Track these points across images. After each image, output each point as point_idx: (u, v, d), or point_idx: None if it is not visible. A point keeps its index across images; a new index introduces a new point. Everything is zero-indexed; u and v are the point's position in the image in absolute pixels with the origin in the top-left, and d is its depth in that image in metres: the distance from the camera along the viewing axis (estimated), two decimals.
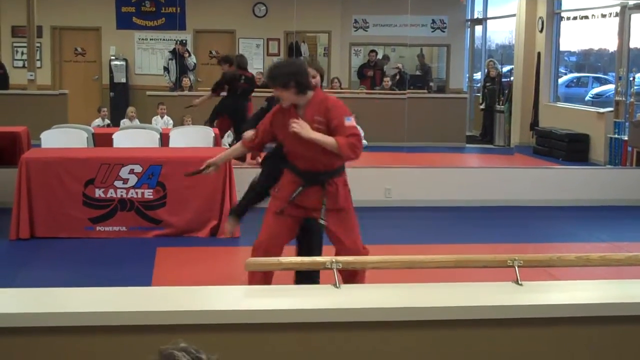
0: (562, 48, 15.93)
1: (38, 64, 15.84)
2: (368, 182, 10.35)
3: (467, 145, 15.90)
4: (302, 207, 5.56)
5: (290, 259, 3.72)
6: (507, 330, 3.35)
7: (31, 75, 14.43)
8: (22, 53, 16.22)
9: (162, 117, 13.01)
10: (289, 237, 5.64)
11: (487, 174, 10.97)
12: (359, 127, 5.74)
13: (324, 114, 5.44)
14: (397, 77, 17.17)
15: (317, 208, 5.52)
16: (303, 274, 5.44)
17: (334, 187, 5.58)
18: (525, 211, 10.06)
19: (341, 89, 16.81)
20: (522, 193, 10.45)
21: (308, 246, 5.94)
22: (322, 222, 5.49)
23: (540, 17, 15.56)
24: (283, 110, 5.56)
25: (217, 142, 10.51)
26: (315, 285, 3.55)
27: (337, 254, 5.40)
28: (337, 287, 3.45)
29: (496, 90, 16.23)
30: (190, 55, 16.49)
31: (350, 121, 5.53)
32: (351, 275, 4.91)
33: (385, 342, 3.29)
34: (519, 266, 3.62)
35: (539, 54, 15.56)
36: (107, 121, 13.80)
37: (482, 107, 16.50)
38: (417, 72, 18.02)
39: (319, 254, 5.82)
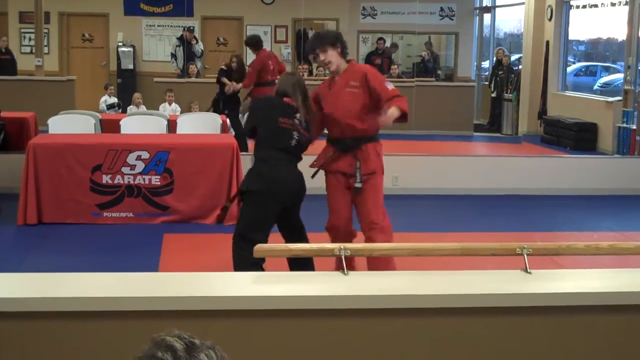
0: (571, 37, 15.85)
1: (45, 50, 15.83)
2: None
3: (475, 133, 15.85)
4: (340, 173, 6.08)
5: (299, 245, 3.71)
6: (516, 318, 3.34)
7: (39, 61, 14.42)
8: (30, 39, 16.20)
9: (170, 105, 13.00)
10: (350, 207, 6.11)
11: (494, 162, 10.95)
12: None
13: (360, 79, 5.89)
14: (422, 64, 17.10)
15: (352, 173, 5.99)
16: (296, 261, 5.46)
17: (364, 153, 5.99)
18: (533, 200, 10.03)
19: None
20: (529, 182, 10.42)
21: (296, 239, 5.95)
22: (358, 185, 5.93)
23: (549, 6, 15.49)
24: (322, 86, 6.19)
25: (224, 128, 10.50)
26: (323, 272, 3.53)
27: (361, 226, 6.02)
28: (345, 274, 3.43)
29: (505, 78, 16.17)
30: (197, 42, 16.46)
31: (390, 85, 5.94)
32: (383, 263, 5.13)
33: (393, 329, 3.28)
34: (527, 254, 3.60)
35: (547, 42, 15.49)
36: (115, 99, 13.77)
37: (493, 95, 16.43)
38: (423, 57, 17.88)
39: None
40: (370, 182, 5.99)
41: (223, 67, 12.97)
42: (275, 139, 5.89)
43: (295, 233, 6.03)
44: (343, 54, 5.98)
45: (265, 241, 5.66)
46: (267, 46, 17.29)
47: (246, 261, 5.62)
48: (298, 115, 5.90)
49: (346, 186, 6.10)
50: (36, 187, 8.29)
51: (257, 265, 5.45)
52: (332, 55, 5.93)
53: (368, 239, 5.88)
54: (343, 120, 5.97)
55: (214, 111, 12.17)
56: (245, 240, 5.65)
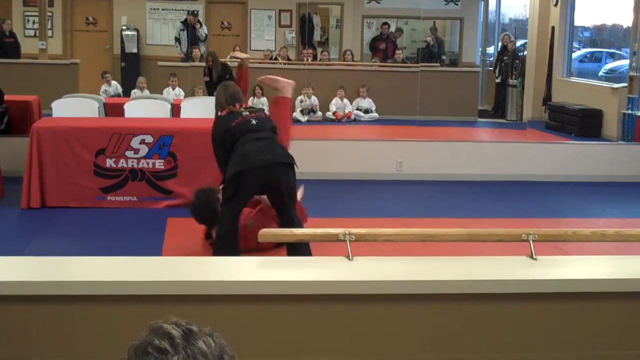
0: (576, 23, 15.80)
1: (49, 33, 15.78)
2: (380, 155, 10.34)
3: (480, 119, 15.82)
4: None
5: (303, 230, 3.70)
6: (521, 304, 3.33)
7: (42, 44, 14.39)
8: (34, 22, 16.17)
9: (173, 89, 12.97)
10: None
11: (499, 148, 10.92)
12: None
13: None
14: (426, 50, 17.05)
15: None
16: (294, 247, 5.59)
17: None
18: (538, 186, 10.02)
19: (353, 61, 16.74)
20: (534, 168, 10.40)
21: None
22: None
23: None
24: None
25: None
26: (328, 257, 3.52)
27: None
28: (349, 260, 3.42)
29: (510, 64, 16.12)
30: (201, 26, 16.41)
31: None
32: None
33: (398, 315, 3.27)
34: (533, 240, 3.58)
35: (553, 28, 15.44)
36: (115, 84, 13.73)
37: (498, 80, 16.38)
38: (428, 42, 17.81)
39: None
40: None
41: (205, 71, 12.77)
42: (238, 130, 6.24)
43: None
44: None
45: (233, 233, 6.12)
46: (271, 30, 17.30)
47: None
48: (244, 112, 6.35)
49: None
50: (40, 170, 8.28)
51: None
52: None
53: None
54: None
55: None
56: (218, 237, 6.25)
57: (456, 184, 9.98)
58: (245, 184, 6.08)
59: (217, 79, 12.48)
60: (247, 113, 6.35)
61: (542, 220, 8.27)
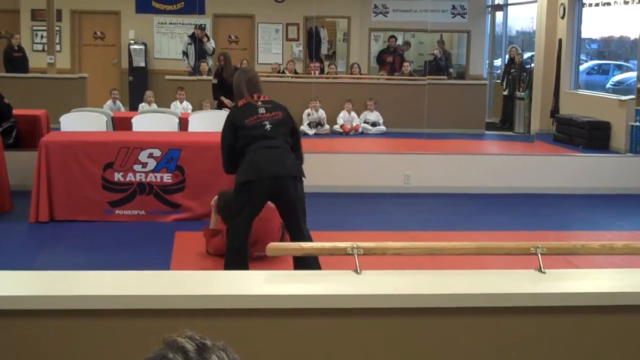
0: (583, 35, 15.79)
1: (57, 47, 15.84)
2: (387, 168, 10.34)
3: (487, 132, 15.82)
4: None
5: (311, 244, 3.69)
6: (530, 318, 3.31)
7: (51, 58, 14.45)
8: (42, 36, 16.24)
9: (181, 103, 12.99)
10: None
11: (507, 161, 10.91)
12: None
13: None
14: (434, 63, 17.08)
15: None
16: (302, 261, 5.52)
17: None
18: (546, 199, 10.00)
19: (360, 74, 16.76)
20: (542, 181, 10.39)
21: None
22: None
23: (562, 4, 15.43)
24: None
25: None
26: (336, 271, 3.52)
27: None
28: (358, 273, 3.41)
29: (517, 77, 16.12)
30: (209, 39, 16.45)
31: None
32: None
33: (406, 329, 3.26)
34: (542, 254, 3.57)
35: (560, 40, 15.44)
36: (119, 104, 13.77)
37: (505, 93, 16.38)
38: (436, 55, 17.81)
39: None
40: None
41: (217, 70, 12.86)
42: (250, 133, 6.07)
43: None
44: None
45: (243, 246, 6.01)
46: (278, 44, 17.34)
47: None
48: (260, 108, 6.14)
49: None
50: (48, 184, 8.31)
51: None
52: None
53: None
54: None
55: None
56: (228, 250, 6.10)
57: (464, 197, 9.97)
58: (255, 194, 6.00)
59: (228, 80, 12.55)
60: (264, 111, 6.12)
61: (551, 233, 8.25)
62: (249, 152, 6.01)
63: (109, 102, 13.58)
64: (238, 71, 6.65)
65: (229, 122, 6.20)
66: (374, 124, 15.13)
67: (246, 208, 6.03)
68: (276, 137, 6.08)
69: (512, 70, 16.20)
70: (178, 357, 1.69)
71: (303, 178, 6.12)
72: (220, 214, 7.16)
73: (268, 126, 6.08)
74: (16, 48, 15.38)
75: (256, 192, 5.99)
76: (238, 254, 6.01)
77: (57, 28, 15.84)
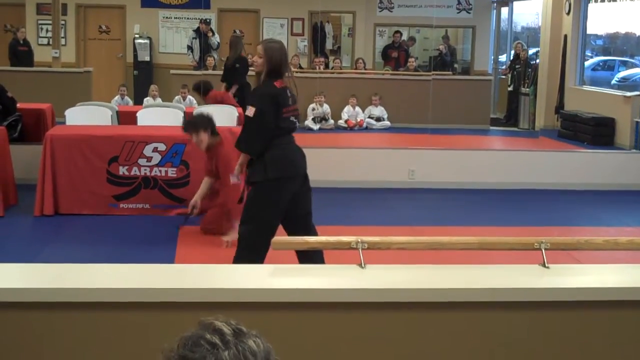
0: (589, 31, 15.77)
1: (62, 41, 15.86)
2: (392, 163, 10.34)
3: (492, 127, 15.81)
4: None
5: (316, 238, 3.71)
6: (534, 313, 3.32)
7: (56, 52, 14.45)
8: (47, 30, 16.24)
9: (184, 99, 13.00)
10: None
11: (511, 156, 10.91)
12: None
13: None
14: (439, 58, 17.06)
15: None
16: (306, 255, 5.37)
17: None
18: (550, 195, 10.00)
19: (365, 69, 16.76)
20: (546, 176, 10.38)
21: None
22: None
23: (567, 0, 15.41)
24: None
25: (240, 121, 10.48)
26: (341, 265, 3.52)
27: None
28: (362, 267, 3.42)
29: (522, 72, 16.11)
30: (214, 34, 16.45)
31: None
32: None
33: (410, 323, 3.27)
34: (545, 249, 3.57)
35: (565, 36, 15.42)
36: (127, 99, 13.79)
37: (510, 89, 16.37)
38: (441, 51, 17.77)
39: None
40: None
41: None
42: (282, 125, 5.69)
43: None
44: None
45: (266, 247, 5.30)
46: (283, 39, 17.33)
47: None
48: (290, 99, 5.72)
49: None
50: (53, 178, 8.32)
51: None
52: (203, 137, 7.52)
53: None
54: None
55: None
56: (257, 246, 5.54)
57: (468, 192, 9.97)
58: (288, 192, 5.67)
59: (231, 64, 12.54)
60: (291, 103, 5.71)
61: (555, 228, 8.26)
62: (278, 145, 5.64)
63: (117, 98, 13.59)
64: (278, 45, 5.82)
65: (271, 99, 5.61)
66: (378, 119, 15.13)
67: (278, 206, 5.66)
68: (295, 132, 5.84)
69: (517, 66, 16.19)
70: (215, 338, 1.71)
71: None
72: None
73: (295, 122, 5.78)
74: (21, 42, 15.39)
75: (289, 188, 5.69)
76: (258, 255, 5.50)
77: (62, 22, 15.86)
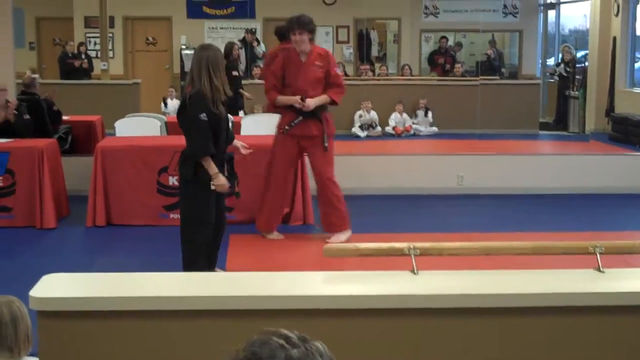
0: (638, 32, 15.56)
1: (110, 54, 16.04)
2: (441, 169, 10.29)
3: (541, 132, 15.65)
4: (302, 137, 7.59)
5: (367, 245, 3.69)
6: (589, 318, 3.28)
7: (104, 65, 14.63)
8: (95, 43, 16.43)
9: None
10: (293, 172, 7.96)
11: (562, 161, 10.80)
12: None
13: (325, 62, 7.58)
14: (487, 63, 16.96)
15: (319, 135, 7.52)
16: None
17: (324, 119, 7.53)
18: (602, 199, 9.87)
19: (412, 75, 16.71)
20: (598, 180, 10.25)
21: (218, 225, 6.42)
22: (325, 145, 7.46)
23: (615, 1, 15.23)
24: (289, 58, 7.66)
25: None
26: (393, 271, 3.51)
27: (315, 179, 7.76)
28: (415, 274, 3.40)
29: (571, 75, 15.93)
30: (259, 43, 16.52)
31: (338, 70, 7.77)
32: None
33: (463, 329, 3.24)
34: (600, 253, 3.52)
35: (614, 38, 15.24)
36: (177, 101, 13.90)
37: (566, 93, 16.11)
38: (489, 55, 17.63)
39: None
40: (329, 148, 7.54)
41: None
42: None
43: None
44: (312, 39, 7.65)
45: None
46: (329, 47, 17.36)
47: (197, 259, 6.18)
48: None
49: (297, 152, 7.76)
50: (104, 189, 8.41)
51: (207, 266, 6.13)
52: (304, 38, 7.52)
53: (321, 191, 7.65)
54: (306, 89, 7.48)
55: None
56: (198, 236, 6.21)
57: (518, 198, 9.88)
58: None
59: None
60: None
61: (608, 233, 8.13)
62: None
63: (169, 100, 13.70)
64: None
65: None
66: (426, 115, 15.07)
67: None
68: None
69: (566, 69, 16.02)
70: (282, 341, 1.73)
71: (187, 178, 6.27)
72: None
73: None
74: (70, 55, 15.58)
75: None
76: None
77: (110, 34, 16.04)
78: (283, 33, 8.81)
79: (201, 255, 6.22)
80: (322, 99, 7.46)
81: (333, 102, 7.57)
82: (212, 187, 6.12)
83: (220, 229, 6.46)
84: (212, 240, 6.36)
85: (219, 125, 6.19)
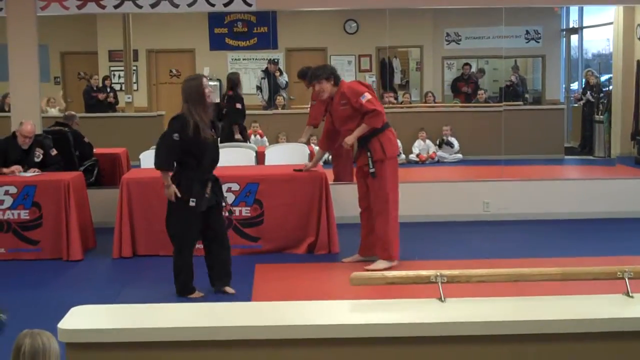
0: None
1: (135, 86, 16.16)
2: (466, 196, 10.26)
3: (566, 156, 15.57)
4: (359, 168, 7.96)
5: (395, 273, 3.68)
6: (619, 343, 3.24)
7: (129, 98, 14.74)
8: (119, 76, 16.56)
9: (255, 136, 13.08)
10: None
11: (588, 185, 10.72)
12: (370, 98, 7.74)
13: (347, 99, 7.77)
14: (510, 89, 16.92)
15: (363, 164, 7.80)
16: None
17: (371, 145, 7.73)
18: (630, 223, 9.79)
19: (435, 103, 16.71)
20: (625, 205, 10.18)
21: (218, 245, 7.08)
22: (371, 171, 7.71)
23: (638, 24, 15.18)
24: (325, 102, 8.16)
25: (311, 158, 10.51)
26: (420, 299, 3.49)
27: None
28: (442, 301, 3.38)
29: (595, 100, 15.87)
30: (282, 74, 16.59)
31: (366, 98, 7.70)
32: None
33: (492, 356, 3.21)
34: (629, 278, 3.49)
35: (638, 61, 15.18)
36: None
37: (594, 119, 16.04)
38: (513, 81, 17.60)
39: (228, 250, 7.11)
40: (377, 170, 7.72)
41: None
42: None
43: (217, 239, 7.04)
44: (335, 84, 7.89)
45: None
46: (351, 75, 17.41)
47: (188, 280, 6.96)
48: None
49: (364, 175, 7.87)
50: (130, 220, 8.44)
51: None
52: (325, 86, 7.88)
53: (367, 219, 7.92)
54: (340, 128, 7.94)
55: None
56: (181, 250, 6.96)
57: (545, 223, 9.82)
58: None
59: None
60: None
61: (635, 257, 8.06)
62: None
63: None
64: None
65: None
66: (450, 144, 15.01)
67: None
68: None
69: (589, 94, 15.96)
70: None
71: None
72: None
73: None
74: (95, 88, 15.71)
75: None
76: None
77: (134, 67, 16.17)
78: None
79: (185, 267, 6.97)
80: (360, 129, 7.70)
81: (374, 128, 7.74)
82: (192, 204, 6.73)
83: (220, 244, 7.05)
84: (215, 256, 7.03)
85: (200, 148, 6.82)
